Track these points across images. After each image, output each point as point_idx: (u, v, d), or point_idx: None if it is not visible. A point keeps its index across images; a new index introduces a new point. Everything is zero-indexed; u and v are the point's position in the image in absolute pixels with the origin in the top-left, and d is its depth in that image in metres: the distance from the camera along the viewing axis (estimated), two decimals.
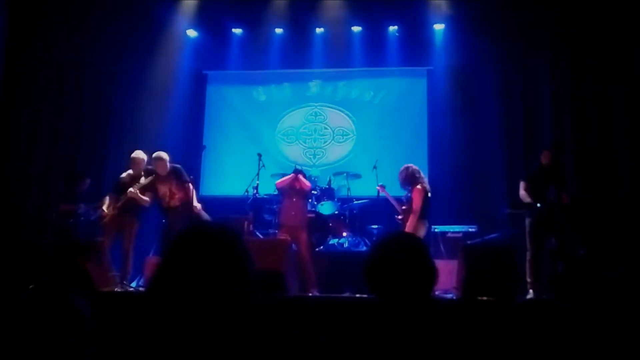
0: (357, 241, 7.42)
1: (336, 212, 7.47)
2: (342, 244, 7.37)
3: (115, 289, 5.70)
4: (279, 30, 8.96)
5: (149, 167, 6.28)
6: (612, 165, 7.58)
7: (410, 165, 6.25)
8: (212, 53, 9.17)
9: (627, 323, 3.54)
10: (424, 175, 6.42)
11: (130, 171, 6.31)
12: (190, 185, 6.28)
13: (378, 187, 6.74)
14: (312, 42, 9.00)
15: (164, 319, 1.31)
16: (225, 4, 8.72)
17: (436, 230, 6.96)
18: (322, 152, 9.04)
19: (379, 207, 7.29)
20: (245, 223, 7.00)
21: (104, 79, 8.71)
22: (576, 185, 7.35)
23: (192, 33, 9.01)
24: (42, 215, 7.54)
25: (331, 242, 7.26)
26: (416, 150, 8.41)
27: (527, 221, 6.15)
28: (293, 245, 6.32)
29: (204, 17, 8.85)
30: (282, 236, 6.38)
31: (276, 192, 7.14)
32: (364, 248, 7.25)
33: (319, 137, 9.10)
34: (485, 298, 4.92)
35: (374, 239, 7.11)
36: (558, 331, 3.55)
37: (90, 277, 5.03)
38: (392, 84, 9.10)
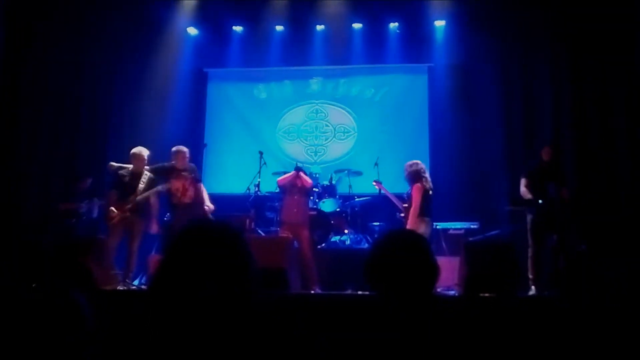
0: (358, 238, 7.43)
1: (338, 210, 7.48)
2: (343, 241, 7.38)
3: (118, 287, 5.70)
4: (279, 28, 8.95)
5: (150, 165, 6.28)
6: (612, 165, 7.57)
7: (418, 162, 6.25)
8: (213, 51, 9.16)
9: (627, 323, 3.55)
10: (428, 175, 6.42)
11: (130, 167, 6.25)
12: (202, 186, 6.28)
13: (374, 183, 6.76)
14: (313, 39, 9.00)
15: (164, 318, 1.30)
16: (226, 2, 8.73)
17: (438, 227, 6.96)
18: (324, 149, 9.03)
19: (380, 204, 7.29)
20: (247, 221, 7.01)
21: (104, 79, 8.69)
22: (576, 185, 7.33)
23: (192, 31, 9.00)
24: (42, 215, 7.54)
25: (333, 239, 7.26)
26: (417, 147, 8.40)
27: (529, 218, 6.15)
28: (295, 242, 6.31)
29: (205, 15, 8.85)
30: (284, 234, 6.38)
31: (278, 190, 7.13)
32: (366, 245, 7.25)
33: (320, 135, 9.09)
34: (487, 295, 4.91)
35: (375, 236, 7.12)
36: (559, 328, 3.55)
37: (91, 276, 5.03)
38: (393, 81, 9.09)
